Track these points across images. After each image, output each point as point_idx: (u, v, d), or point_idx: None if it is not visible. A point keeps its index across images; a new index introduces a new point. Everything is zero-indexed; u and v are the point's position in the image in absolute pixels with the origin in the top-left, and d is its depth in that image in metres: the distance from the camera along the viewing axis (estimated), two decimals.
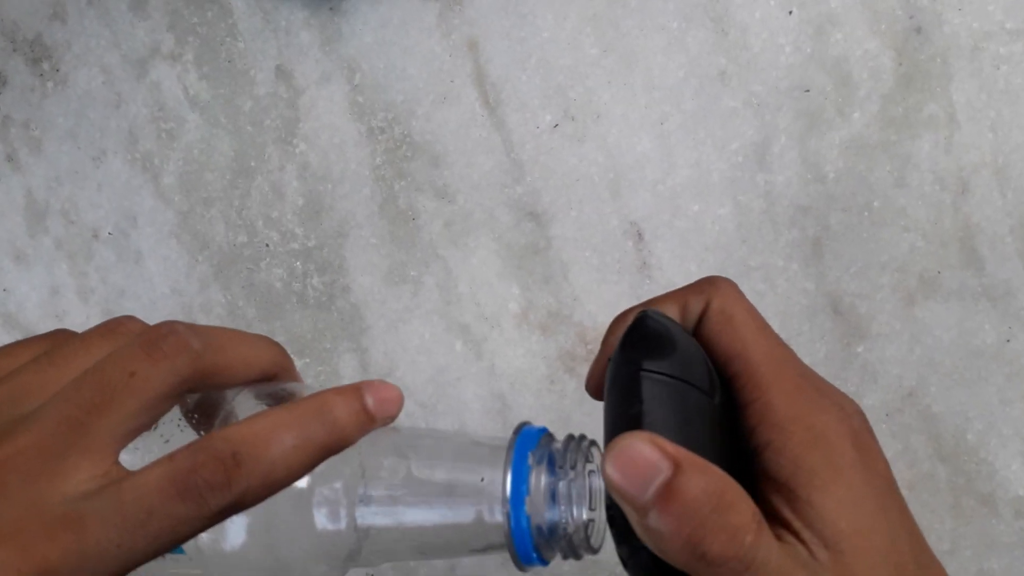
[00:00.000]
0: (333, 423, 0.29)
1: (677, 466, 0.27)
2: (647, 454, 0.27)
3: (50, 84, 0.67)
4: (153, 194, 0.66)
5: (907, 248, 0.54)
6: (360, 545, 0.34)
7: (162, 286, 0.67)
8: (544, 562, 0.34)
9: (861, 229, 0.54)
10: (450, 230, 0.61)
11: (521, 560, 0.33)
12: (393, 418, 0.32)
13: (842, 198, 0.54)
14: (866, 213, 0.54)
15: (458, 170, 0.60)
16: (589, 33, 0.57)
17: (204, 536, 0.31)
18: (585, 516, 0.33)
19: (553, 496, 0.33)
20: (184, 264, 0.66)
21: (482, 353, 0.61)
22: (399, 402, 0.32)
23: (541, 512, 0.33)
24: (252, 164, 0.64)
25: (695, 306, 0.34)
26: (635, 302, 0.57)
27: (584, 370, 0.59)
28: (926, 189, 0.53)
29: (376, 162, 0.62)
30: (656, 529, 0.27)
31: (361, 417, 0.30)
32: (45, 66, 0.67)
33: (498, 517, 0.33)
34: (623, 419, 0.29)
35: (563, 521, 0.33)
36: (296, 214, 0.63)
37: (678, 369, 0.30)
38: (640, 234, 0.58)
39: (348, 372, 0.64)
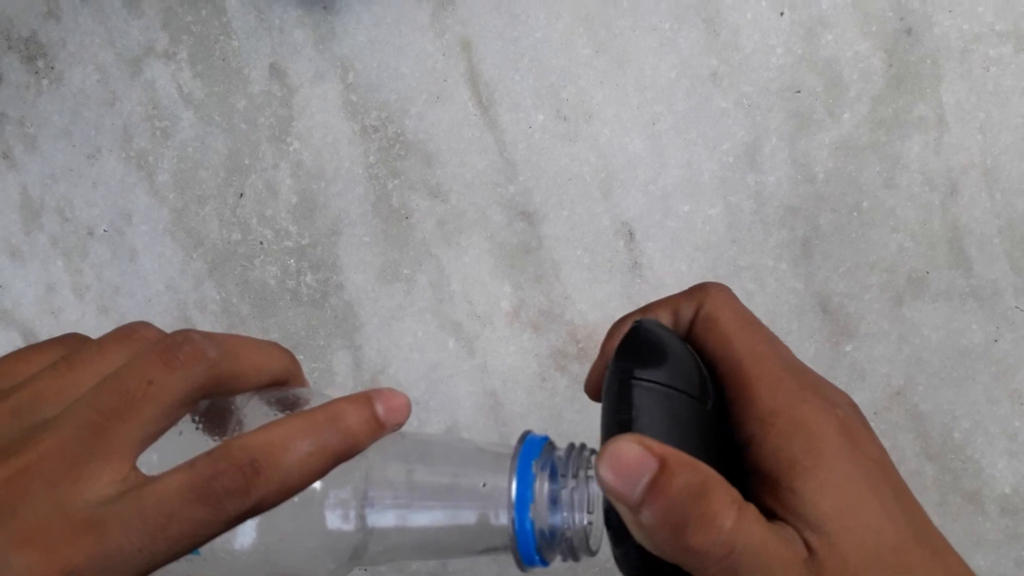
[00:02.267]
0: (346, 431, 0.30)
1: (663, 463, 0.28)
2: (635, 454, 0.28)
3: (45, 82, 0.68)
4: (148, 192, 0.67)
5: (896, 248, 0.54)
6: (367, 545, 0.35)
7: (157, 283, 0.67)
8: (545, 563, 0.35)
9: (850, 229, 0.55)
10: (443, 229, 0.61)
11: (524, 562, 0.35)
12: (401, 425, 0.33)
13: (832, 199, 0.55)
14: (855, 214, 0.55)
15: (451, 169, 0.61)
16: (582, 33, 0.58)
17: (219, 538, 0.32)
18: (585, 521, 0.34)
19: (555, 502, 0.34)
20: (179, 261, 0.67)
21: (474, 351, 0.62)
22: (407, 409, 0.33)
23: (544, 517, 0.34)
24: (246, 162, 0.64)
25: (686, 312, 0.35)
26: (626, 301, 0.58)
27: (575, 368, 0.60)
28: (915, 190, 0.54)
29: (369, 161, 0.62)
30: (646, 525, 0.28)
31: (372, 425, 0.31)
32: (40, 64, 0.68)
33: (503, 521, 0.34)
34: (615, 425, 0.31)
35: (564, 526, 0.34)
36: (290, 212, 0.64)
37: (668, 377, 0.31)
38: (631, 234, 0.58)
39: (341, 369, 0.64)
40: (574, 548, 0.35)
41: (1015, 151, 0.52)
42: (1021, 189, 0.52)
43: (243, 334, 0.66)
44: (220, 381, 0.32)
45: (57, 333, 0.71)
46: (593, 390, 0.38)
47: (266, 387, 0.35)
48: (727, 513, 0.27)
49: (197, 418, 0.35)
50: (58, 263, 0.69)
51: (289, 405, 0.36)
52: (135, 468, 0.29)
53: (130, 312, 0.68)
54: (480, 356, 0.62)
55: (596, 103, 0.58)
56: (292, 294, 0.65)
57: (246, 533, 0.33)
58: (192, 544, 0.27)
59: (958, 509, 0.55)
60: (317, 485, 0.34)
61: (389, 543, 0.35)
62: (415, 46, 0.60)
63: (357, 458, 0.32)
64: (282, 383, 0.36)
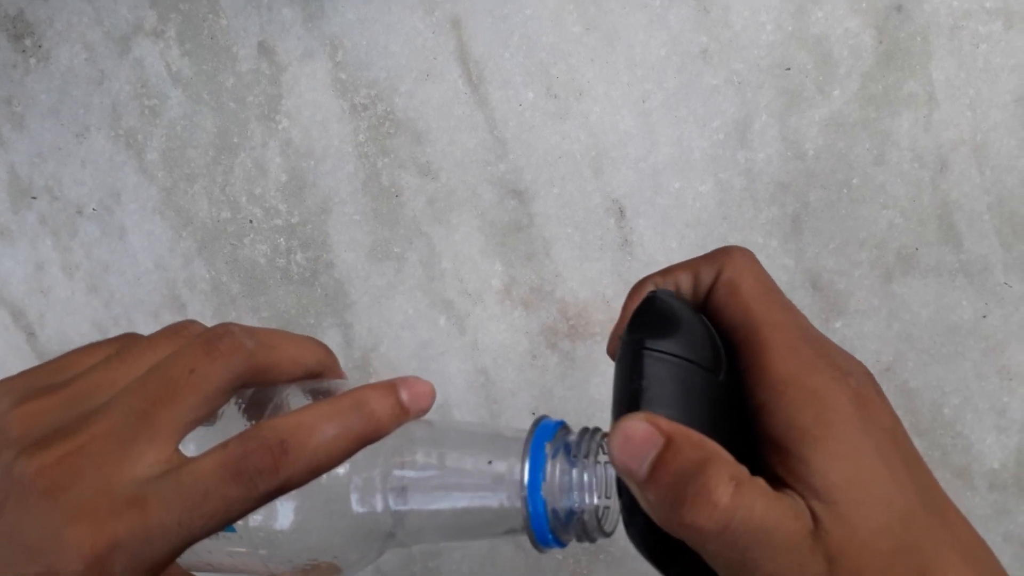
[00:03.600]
0: (370, 415, 0.32)
1: (669, 440, 0.28)
2: (643, 431, 0.28)
3: (32, 60, 0.67)
4: (136, 170, 0.66)
5: (885, 225, 0.54)
6: (394, 528, 0.36)
7: (146, 261, 0.67)
8: (561, 544, 0.36)
9: (840, 206, 0.55)
10: (433, 207, 0.61)
11: (539, 542, 0.35)
12: (425, 411, 0.34)
13: (822, 175, 0.55)
14: (845, 190, 0.55)
15: (441, 147, 0.60)
16: (572, 10, 0.57)
17: (253, 517, 0.34)
18: (597, 501, 0.35)
19: (567, 482, 0.35)
20: (168, 240, 0.66)
21: (465, 328, 0.62)
22: (431, 397, 0.34)
23: (557, 498, 0.35)
24: (235, 140, 0.64)
25: (706, 276, 0.35)
26: (616, 279, 0.58)
27: (565, 345, 0.60)
28: (905, 167, 0.54)
29: (359, 139, 0.62)
30: (651, 501, 0.28)
31: (396, 410, 0.33)
32: (27, 42, 0.67)
33: (517, 503, 0.35)
34: (626, 394, 0.31)
35: (577, 506, 0.35)
36: (279, 190, 0.64)
37: (679, 347, 0.31)
38: (622, 211, 0.58)
39: (332, 347, 0.64)
40: (588, 529, 0.35)
41: (1004, 128, 0.52)
42: (1010, 165, 0.52)
43: (235, 316, 0.66)
44: (258, 370, 0.33)
45: (46, 312, 0.71)
46: (612, 352, 0.38)
47: (303, 378, 0.37)
48: (723, 490, 0.27)
49: (241, 405, 0.36)
50: (47, 242, 0.69)
51: (324, 394, 0.37)
52: (177, 450, 0.31)
53: (119, 291, 0.68)
54: (471, 334, 0.62)
55: (586, 80, 0.58)
56: (282, 272, 0.65)
57: (282, 514, 0.35)
58: (226, 519, 0.29)
59: (947, 484, 0.55)
60: (343, 469, 0.35)
61: (413, 526, 0.36)
62: (405, 24, 0.60)
63: (384, 443, 0.33)
64: (318, 375, 0.38)
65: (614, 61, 0.57)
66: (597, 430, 0.36)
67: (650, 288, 0.36)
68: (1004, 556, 0.55)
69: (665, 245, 0.58)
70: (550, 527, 0.35)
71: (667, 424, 0.29)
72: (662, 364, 0.31)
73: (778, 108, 0.55)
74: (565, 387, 0.61)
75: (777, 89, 0.55)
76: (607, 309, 0.59)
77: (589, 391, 0.60)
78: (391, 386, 0.33)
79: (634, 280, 0.58)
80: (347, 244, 0.63)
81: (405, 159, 0.61)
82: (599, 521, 0.35)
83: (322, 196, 0.63)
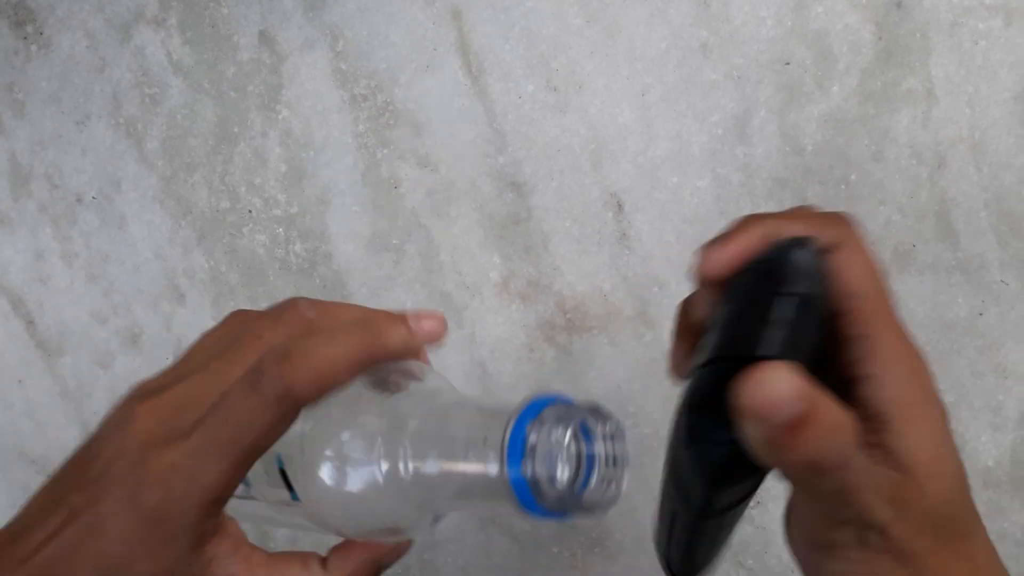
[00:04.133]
0: (377, 334, 0.34)
1: (812, 411, 0.28)
2: (788, 391, 0.28)
3: (34, 47, 0.67)
4: (137, 159, 0.66)
5: (883, 221, 0.54)
6: (416, 497, 0.38)
7: (145, 251, 0.67)
8: (548, 514, 0.36)
9: (838, 202, 0.55)
10: (432, 199, 0.61)
11: (526, 509, 0.36)
12: (436, 337, 0.37)
13: (820, 171, 0.55)
14: (843, 186, 0.55)
15: (440, 139, 0.60)
16: (573, 3, 0.57)
17: (310, 492, 0.37)
18: (572, 474, 0.35)
19: (547, 453, 0.35)
20: (167, 229, 0.67)
21: (463, 321, 0.62)
22: (441, 324, 0.37)
23: (535, 467, 0.35)
24: (235, 130, 0.64)
25: (825, 238, 0.36)
26: (614, 273, 0.58)
27: (563, 339, 0.60)
28: (903, 163, 0.54)
29: (359, 129, 0.62)
30: (780, 449, 0.29)
31: (402, 332, 0.35)
32: (29, 29, 0.67)
33: (499, 470, 0.35)
34: (750, 329, 0.32)
35: (557, 476, 0.35)
36: (279, 180, 0.64)
37: (806, 287, 0.33)
38: (620, 205, 0.58)
39: None
40: (565, 501, 0.35)
41: (1003, 125, 0.52)
42: (1008, 163, 0.52)
43: (234, 306, 0.66)
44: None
45: (45, 301, 0.71)
46: (689, 328, 0.38)
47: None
48: (853, 443, 0.30)
49: None
50: (47, 230, 0.69)
51: (382, 376, 0.39)
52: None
53: (118, 280, 0.68)
54: (469, 327, 0.62)
55: (586, 73, 0.58)
56: (281, 263, 0.65)
57: (324, 482, 0.37)
58: (252, 434, 0.32)
59: None
60: (364, 445, 0.37)
61: (432, 494, 0.37)
62: (405, 14, 0.60)
63: (393, 415, 0.35)
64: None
65: (614, 54, 0.57)
66: (594, 407, 0.37)
67: (758, 228, 0.36)
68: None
69: (663, 240, 0.58)
70: (532, 495, 0.35)
71: (811, 391, 0.28)
72: (792, 306, 0.32)
73: (777, 103, 0.55)
74: (562, 380, 0.61)
75: (776, 84, 0.55)
76: (604, 303, 0.59)
77: (586, 385, 0.61)
78: (401, 314, 0.35)
79: (631, 274, 0.58)
80: (346, 235, 0.63)
81: (404, 151, 0.61)
82: (576, 492, 0.36)
83: (321, 187, 0.63)
